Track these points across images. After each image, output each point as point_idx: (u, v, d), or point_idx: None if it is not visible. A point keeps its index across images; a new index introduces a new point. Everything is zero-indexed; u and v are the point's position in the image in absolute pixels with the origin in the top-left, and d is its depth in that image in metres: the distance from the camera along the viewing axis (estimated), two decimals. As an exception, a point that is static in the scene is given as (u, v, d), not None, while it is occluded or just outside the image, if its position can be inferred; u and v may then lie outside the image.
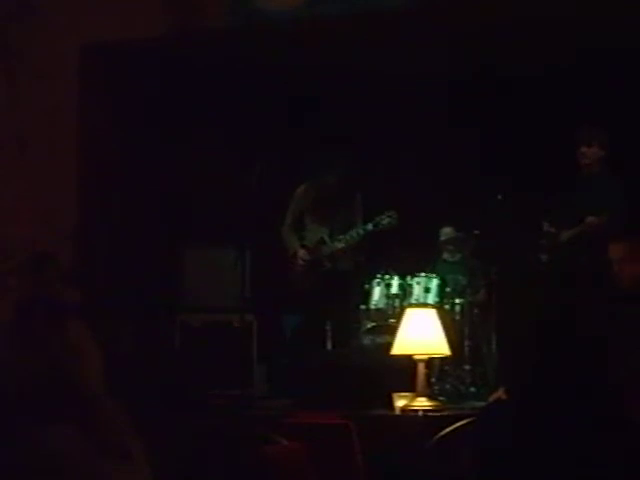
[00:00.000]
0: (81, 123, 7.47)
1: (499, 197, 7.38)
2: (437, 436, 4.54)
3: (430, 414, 5.65)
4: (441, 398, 6.49)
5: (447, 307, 7.38)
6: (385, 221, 7.32)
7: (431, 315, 6.01)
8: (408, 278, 7.46)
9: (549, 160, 7.48)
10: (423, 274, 7.53)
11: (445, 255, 8.20)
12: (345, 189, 7.51)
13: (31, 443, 2.23)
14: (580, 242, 6.64)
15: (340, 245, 7.46)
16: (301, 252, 7.59)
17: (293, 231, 7.71)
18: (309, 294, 7.51)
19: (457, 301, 7.49)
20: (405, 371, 5.92)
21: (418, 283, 7.47)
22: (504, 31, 7.15)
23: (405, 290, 7.45)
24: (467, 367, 7.22)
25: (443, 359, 6.61)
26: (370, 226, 7.37)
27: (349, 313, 7.46)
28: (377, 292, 7.49)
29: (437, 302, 7.33)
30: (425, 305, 6.98)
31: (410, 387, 5.82)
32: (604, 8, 6.80)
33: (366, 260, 7.69)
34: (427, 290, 7.44)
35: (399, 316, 6.34)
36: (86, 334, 2.43)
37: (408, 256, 7.62)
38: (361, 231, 7.41)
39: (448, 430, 4.49)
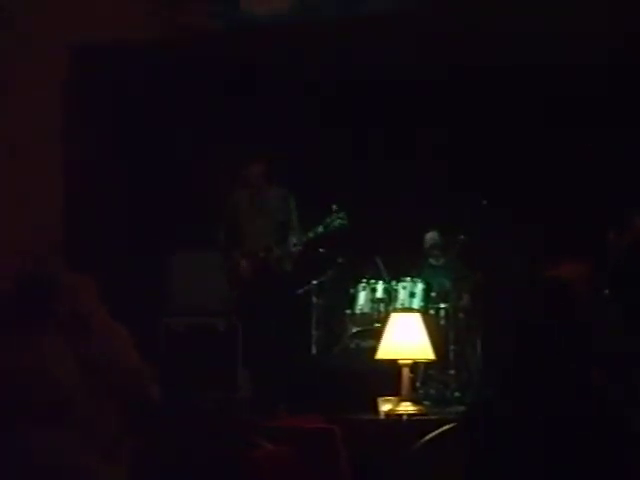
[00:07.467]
0: (68, 126, 7.45)
1: (484, 202, 7.40)
2: (422, 440, 4.53)
3: (415, 418, 5.65)
4: (426, 402, 6.51)
5: (432, 312, 7.40)
6: (336, 222, 7.22)
7: (416, 319, 6.01)
8: (393, 282, 7.48)
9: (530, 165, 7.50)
10: (409, 278, 7.55)
11: (431, 259, 8.21)
12: (278, 191, 7.39)
13: (17, 444, 2.23)
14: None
15: (295, 249, 7.28)
16: (243, 262, 7.31)
17: (228, 244, 7.44)
18: (265, 300, 7.33)
19: (442, 305, 7.51)
20: (390, 375, 5.92)
21: (404, 288, 7.49)
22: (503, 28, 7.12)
23: (390, 294, 7.47)
24: (452, 372, 7.23)
25: (428, 363, 6.61)
26: (320, 228, 7.26)
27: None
28: (362, 297, 7.50)
29: (422, 307, 7.34)
30: (410, 310, 6.98)
31: (395, 391, 5.83)
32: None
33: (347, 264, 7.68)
34: (412, 295, 7.45)
35: (384, 320, 6.35)
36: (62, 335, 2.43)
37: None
38: (312, 234, 7.26)
39: (433, 435, 4.49)
